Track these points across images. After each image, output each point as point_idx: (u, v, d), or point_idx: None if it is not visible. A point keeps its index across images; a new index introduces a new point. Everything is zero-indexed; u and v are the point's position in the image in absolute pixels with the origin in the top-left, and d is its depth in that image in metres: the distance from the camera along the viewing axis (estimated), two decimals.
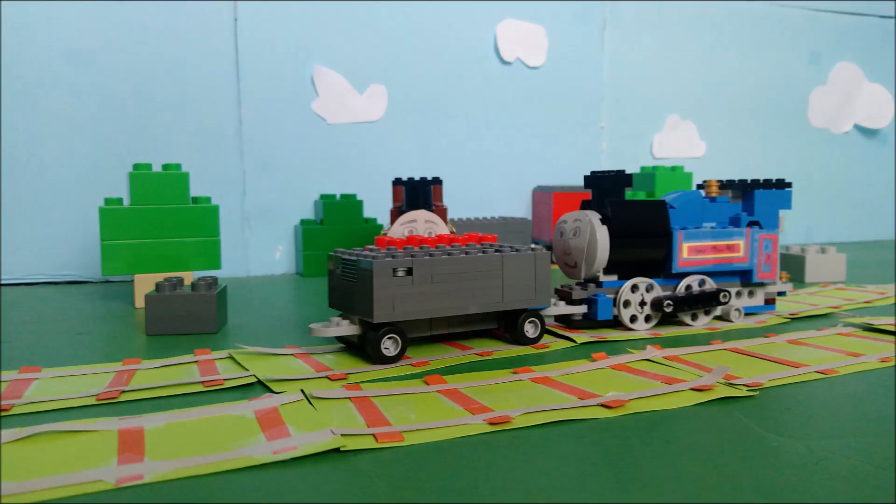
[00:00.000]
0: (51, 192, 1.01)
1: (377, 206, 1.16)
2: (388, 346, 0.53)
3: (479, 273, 0.56)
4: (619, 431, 0.40)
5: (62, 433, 0.39)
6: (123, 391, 0.47)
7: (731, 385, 0.48)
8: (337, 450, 0.36)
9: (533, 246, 0.60)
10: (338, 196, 1.10)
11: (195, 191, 1.04)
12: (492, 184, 1.28)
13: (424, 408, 0.43)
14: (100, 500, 0.31)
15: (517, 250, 0.58)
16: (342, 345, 0.60)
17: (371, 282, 0.51)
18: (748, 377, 0.49)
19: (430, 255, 0.54)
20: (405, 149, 1.21)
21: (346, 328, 0.55)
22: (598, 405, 0.43)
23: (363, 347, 0.55)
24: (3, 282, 1.00)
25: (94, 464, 0.35)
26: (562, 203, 1.21)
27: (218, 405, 0.44)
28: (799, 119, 1.57)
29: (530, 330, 0.59)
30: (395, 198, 0.90)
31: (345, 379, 0.50)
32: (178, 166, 0.82)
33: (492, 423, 0.40)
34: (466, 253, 0.56)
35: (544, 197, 1.24)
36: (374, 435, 0.38)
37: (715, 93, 1.47)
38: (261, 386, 0.49)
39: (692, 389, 0.46)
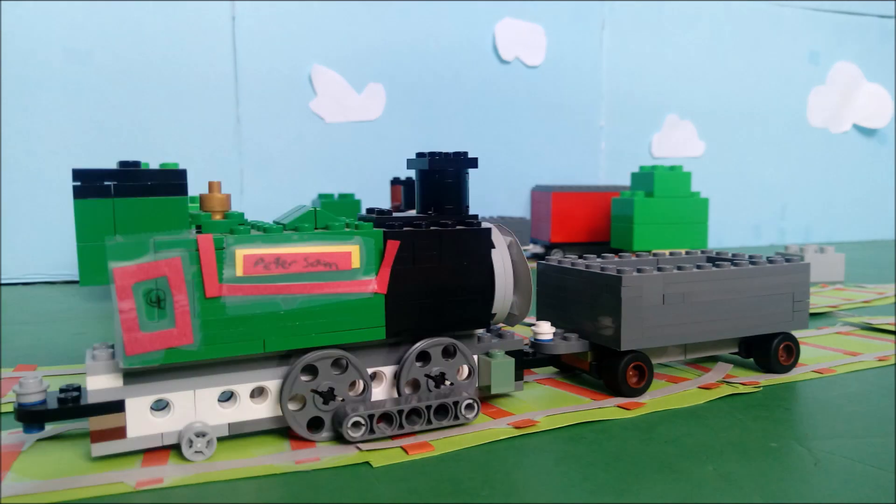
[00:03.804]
0: (48, 191, 1.01)
1: (375, 204, 1.16)
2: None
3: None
4: (620, 432, 0.39)
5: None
6: None
7: (729, 384, 0.47)
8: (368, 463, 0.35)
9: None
10: (336, 195, 1.10)
11: (193, 189, 1.03)
12: (490, 183, 1.28)
13: None
14: (117, 501, 0.31)
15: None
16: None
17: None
18: (745, 376, 0.49)
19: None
20: (403, 148, 1.20)
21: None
22: (615, 406, 0.43)
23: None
24: (2, 281, 1.00)
25: (119, 465, 0.34)
26: (561, 202, 1.21)
27: None
28: (798, 118, 1.57)
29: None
30: (394, 197, 0.90)
31: None
32: (175, 165, 0.82)
33: (517, 427, 0.39)
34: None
35: (543, 196, 1.24)
36: (402, 447, 0.36)
37: (714, 92, 1.47)
38: None
39: (700, 388, 0.46)
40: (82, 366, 0.53)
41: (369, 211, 0.42)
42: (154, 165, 0.84)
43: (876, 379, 0.49)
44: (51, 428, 0.38)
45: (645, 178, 1.05)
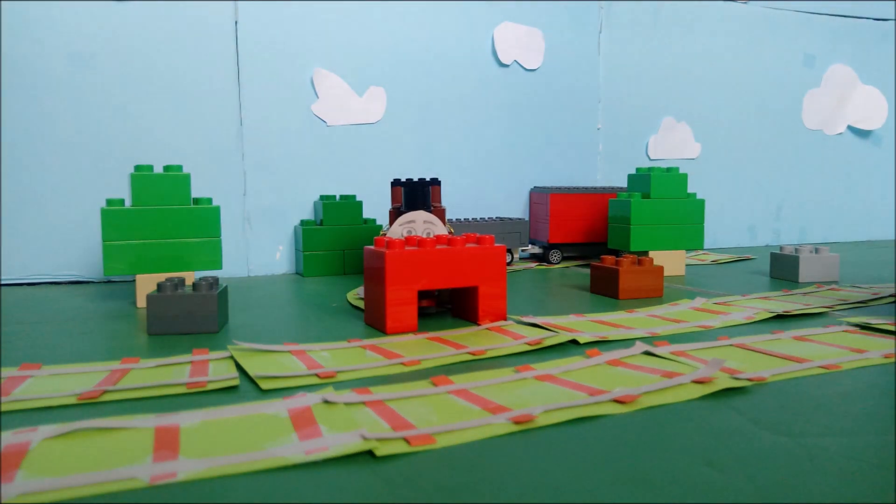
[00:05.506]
0: (53, 192, 1.01)
1: (376, 206, 1.17)
2: None
3: None
4: (615, 428, 0.40)
5: (102, 430, 0.39)
6: (106, 391, 0.47)
7: (736, 379, 0.48)
8: (370, 453, 0.36)
9: None
10: (337, 197, 1.11)
11: (196, 192, 1.04)
12: (489, 185, 1.29)
13: (442, 409, 0.43)
14: (133, 498, 0.31)
15: None
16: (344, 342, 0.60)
17: None
18: (752, 371, 0.50)
19: None
20: (404, 150, 1.21)
21: None
22: (611, 401, 0.44)
23: None
24: (4, 282, 1.00)
25: (130, 461, 0.35)
26: (559, 204, 1.22)
27: (253, 403, 0.44)
28: (793, 121, 1.58)
29: None
30: (394, 198, 0.91)
31: (333, 377, 0.50)
32: (179, 168, 0.83)
33: (516, 422, 0.40)
34: None
35: (541, 198, 1.25)
36: (405, 438, 0.37)
37: (710, 95, 1.48)
38: (247, 387, 0.48)
39: (694, 382, 0.47)
40: (85, 364, 0.54)
41: None
42: (158, 168, 0.85)
43: (878, 376, 0.50)
44: (56, 426, 0.39)
45: (642, 180, 1.06)
